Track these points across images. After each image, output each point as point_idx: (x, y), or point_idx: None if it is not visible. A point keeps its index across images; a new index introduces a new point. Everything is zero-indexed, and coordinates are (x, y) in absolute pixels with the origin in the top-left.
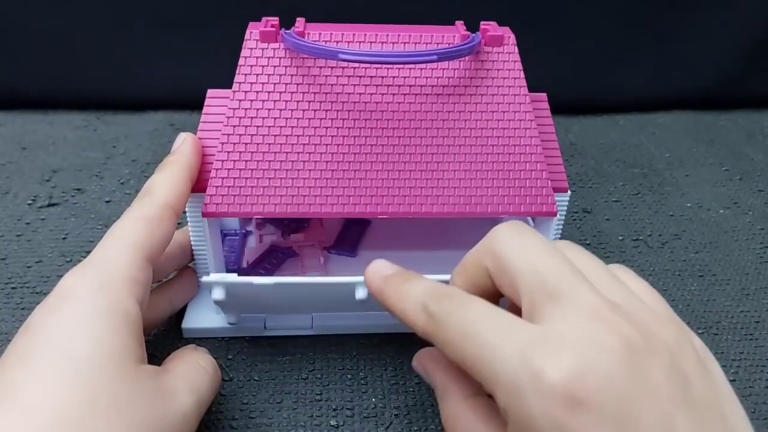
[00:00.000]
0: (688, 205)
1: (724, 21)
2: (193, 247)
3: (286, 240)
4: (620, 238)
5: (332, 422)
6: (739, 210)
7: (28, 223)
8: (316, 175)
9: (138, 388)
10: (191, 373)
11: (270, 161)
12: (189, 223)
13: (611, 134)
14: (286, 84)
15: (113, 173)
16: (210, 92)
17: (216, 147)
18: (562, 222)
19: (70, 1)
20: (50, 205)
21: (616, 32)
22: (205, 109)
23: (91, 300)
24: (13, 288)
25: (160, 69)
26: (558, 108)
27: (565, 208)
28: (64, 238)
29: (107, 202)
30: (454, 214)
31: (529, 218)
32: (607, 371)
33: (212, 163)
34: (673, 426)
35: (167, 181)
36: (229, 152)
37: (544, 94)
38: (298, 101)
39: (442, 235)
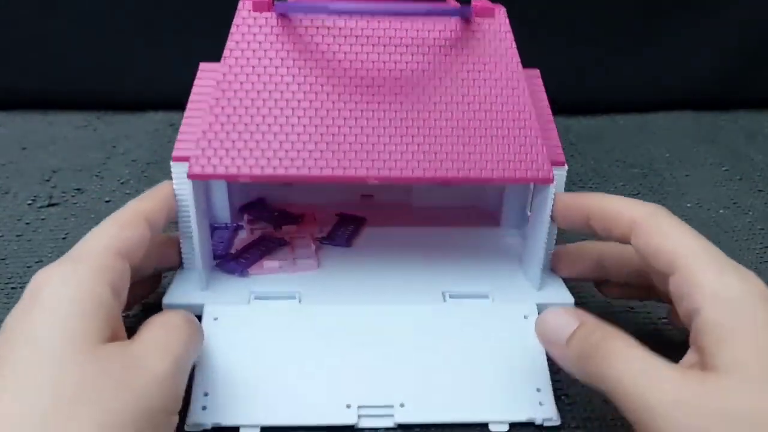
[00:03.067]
0: (688, 205)
1: (724, 21)
2: (178, 222)
3: (278, 231)
4: None
5: None
6: (739, 210)
7: (28, 223)
8: (307, 138)
9: (102, 368)
10: (161, 336)
11: (258, 124)
12: (175, 192)
13: (611, 134)
14: (277, 50)
15: (113, 173)
16: (202, 65)
17: (205, 113)
18: (562, 191)
19: (70, 1)
20: (50, 205)
21: (616, 32)
22: (196, 81)
23: (59, 289)
24: (13, 288)
25: (160, 69)
26: (558, 108)
27: (563, 181)
28: (64, 238)
29: (107, 202)
30: (448, 179)
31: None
32: None
33: (201, 126)
34: None
35: (143, 197)
36: (217, 115)
37: (537, 70)
38: (288, 67)
39: (438, 239)
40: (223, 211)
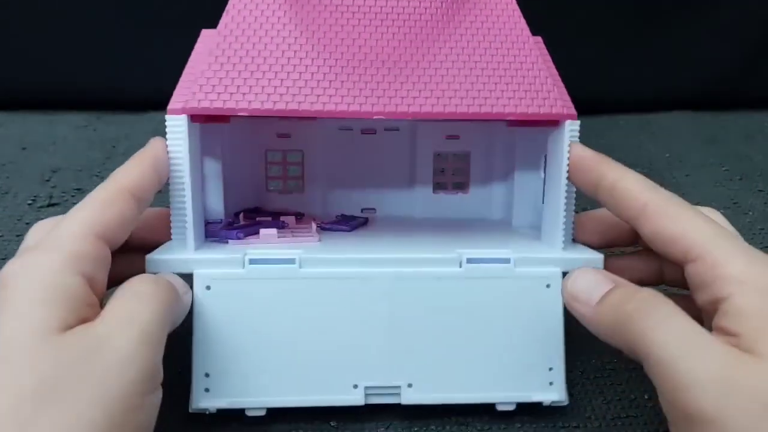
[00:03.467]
0: None
1: (723, 21)
2: (170, 182)
3: (276, 219)
4: None
5: (332, 423)
6: (739, 210)
7: (28, 223)
8: (309, 76)
9: (62, 361)
10: (128, 307)
11: (259, 64)
12: (169, 148)
13: (611, 134)
14: (281, 3)
15: None
16: (204, 32)
17: (204, 56)
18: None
19: (71, 1)
20: (50, 205)
21: (616, 32)
22: (196, 45)
23: (23, 283)
24: None
25: (160, 69)
26: None
27: (577, 135)
28: None
29: None
30: (457, 114)
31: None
32: None
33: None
34: None
35: (128, 166)
36: (217, 56)
37: (540, 38)
38: (290, 11)
39: (450, 225)
40: (217, 210)
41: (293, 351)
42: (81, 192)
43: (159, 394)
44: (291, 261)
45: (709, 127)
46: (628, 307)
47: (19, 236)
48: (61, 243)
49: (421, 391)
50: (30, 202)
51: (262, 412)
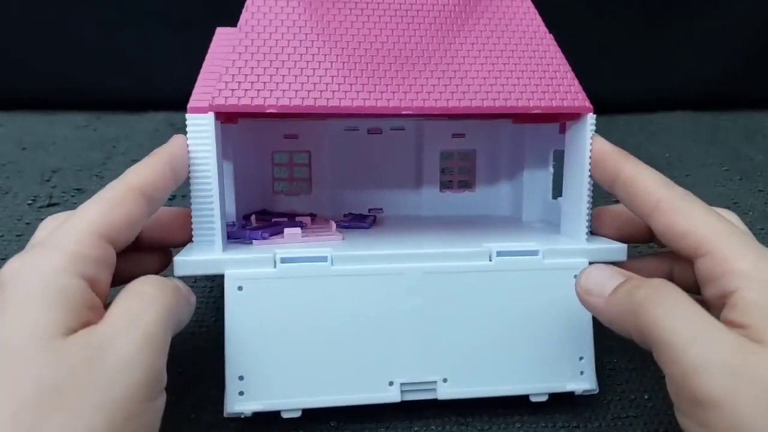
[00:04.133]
0: None
1: (724, 21)
2: (191, 181)
3: (292, 219)
4: None
5: (332, 423)
6: (739, 210)
7: (28, 223)
8: (335, 73)
9: (64, 365)
10: (131, 309)
11: (284, 61)
12: (190, 148)
13: (611, 134)
14: (300, 0)
15: (113, 173)
16: (219, 29)
17: (227, 53)
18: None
19: (71, 1)
20: (50, 205)
21: (616, 32)
22: (212, 44)
23: (23, 284)
24: None
25: (160, 69)
26: None
27: (593, 128)
28: None
29: None
30: (483, 108)
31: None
32: None
33: (220, 71)
34: None
35: (142, 164)
36: (240, 53)
37: (551, 35)
38: (312, 9)
39: (468, 221)
40: (229, 212)
41: (326, 350)
42: (81, 192)
43: (163, 399)
44: (323, 259)
45: (709, 127)
46: (639, 295)
47: (19, 236)
48: (64, 243)
49: (457, 385)
50: (30, 202)
51: (298, 414)
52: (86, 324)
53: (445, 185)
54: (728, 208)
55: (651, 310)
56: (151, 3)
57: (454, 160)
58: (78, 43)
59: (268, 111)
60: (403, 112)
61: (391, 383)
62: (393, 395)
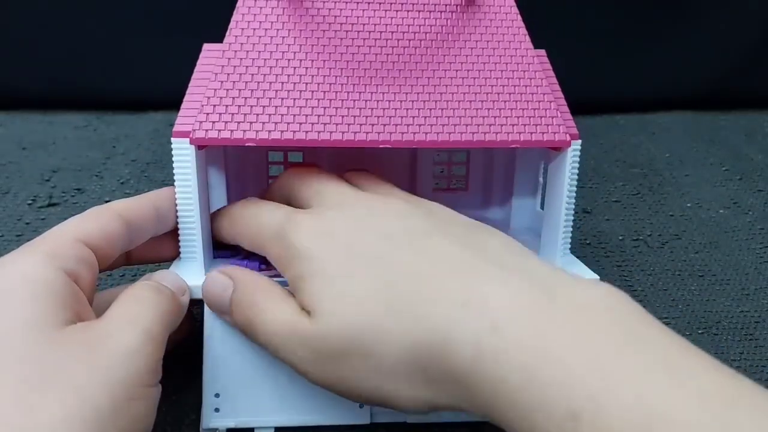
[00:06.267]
0: (688, 205)
1: (724, 21)
2: (177, 206)
3: None
4: (620, 238)
5: None
6: (739, 210)
7: (28, 223)
8: (315, 104)
9: (65, 350)
10: (130, 309)
11: (265, 90)
12: (175, 171)
13: (611, 134)
14: (283, 22)
15: (113, 173)
16: (206, 45)
17: (208, 82)
18: (577, 167)
19: (71, 1)
20: (50, 205)
21: (616, 32)
22: (199, 61)
23: (5, 278)
24: None
25: (160, 69)
26: None
27: (578, 157)
28: None
29: (107, 202)
30: (462, 143)
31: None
32: None
33: (204, 94)
34: None
35: (127, 198)
36: (222, 81)
37: (543, 51)
38: (294, 35)
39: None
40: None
41: None
42: (81, 192)
43: (159, 389)
44: None
45: (709, 127)
46: (242, 307)
47: (19, 236)
48: (40, 246)
49: None
50: (30, 202)
51: (271, 431)
52: (78, 317)
53: (438, 186)
54: (728, 208)
55: (251, 322)
56: (152, 3)
57: (448, 161)
58: (78, 44)
59: (247, 144)
60: (381, 146)
61: (361, 405)
62: (362, 417)
